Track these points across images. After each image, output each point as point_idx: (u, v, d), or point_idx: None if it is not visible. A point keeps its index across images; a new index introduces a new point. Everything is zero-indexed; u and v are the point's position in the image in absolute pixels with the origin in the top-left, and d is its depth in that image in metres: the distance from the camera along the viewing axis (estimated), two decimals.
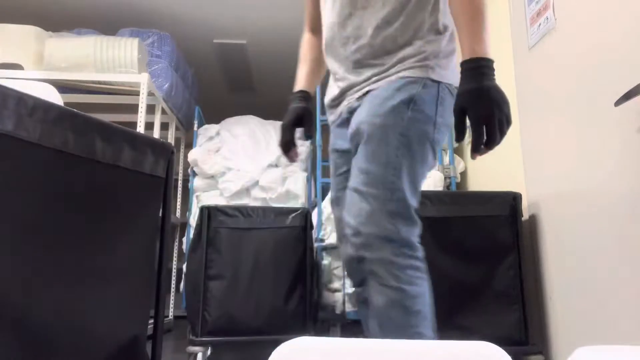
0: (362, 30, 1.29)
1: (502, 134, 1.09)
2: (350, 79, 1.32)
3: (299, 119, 1.48)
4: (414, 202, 1.14)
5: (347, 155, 1.33)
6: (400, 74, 1.23)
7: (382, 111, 1.18)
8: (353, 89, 1.31)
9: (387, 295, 1.07)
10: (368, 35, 1.28)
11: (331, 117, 1.42)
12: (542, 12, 2.16)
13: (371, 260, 1.09)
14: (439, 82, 1.23)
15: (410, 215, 1.12)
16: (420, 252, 1.12)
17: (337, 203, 1.38)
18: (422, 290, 1.09)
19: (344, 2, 1.32)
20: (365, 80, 1.29)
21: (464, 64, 1.13)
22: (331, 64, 1.39)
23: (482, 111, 1.07)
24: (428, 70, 1.22)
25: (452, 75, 1.27)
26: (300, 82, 1.54)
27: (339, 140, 1.39)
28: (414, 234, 1.12)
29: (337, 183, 1.39)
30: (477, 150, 1.10)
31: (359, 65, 1.30)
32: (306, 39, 1.60)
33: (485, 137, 1.08)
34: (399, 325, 1.07)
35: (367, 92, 1.27)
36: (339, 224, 1.35)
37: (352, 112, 1.31)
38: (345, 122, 1.35)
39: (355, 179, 1.16)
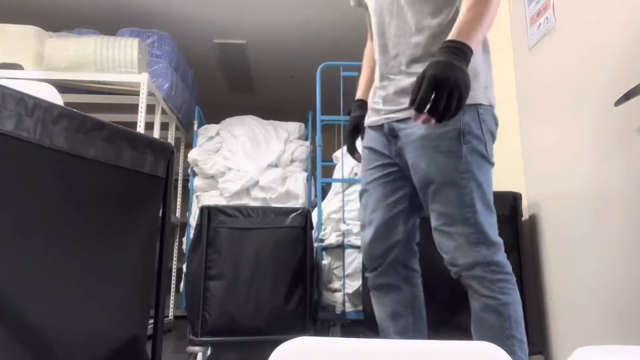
0: (397, 38, 1.34)
1: (448, 108, 1.10)
2: (386, 87, 1.38)
3: (356, 126, 1.55)
4: (490, 224, 1.28)
5: (379, 154, 1.42)
6: None
7: (442, 158, 1.27)
8: (392, 105, 1.36)
9: (482, 302, 1.24)
10: (402, 42, 1.33)
11: (371, 118, 1.46)
12: (542, 12, 2.16)
13: (466, 276, 1.26)
14: (475, 105, 1.28)
15: (489, 240, 1.26)
16: (507, 268, 1.26)
17: (365, 195, 1.45)
18: (512, 299, 1.24)
19: (383, 10, 1.37)
20: (400, 95, 1.33)
21: (444, 43, 1.17)
22: (375, 70, 1.45)
23: (437, 75, 1.09)
24: None
25: (482, 95, 1.31)
26: (359, 91, 1.61)
27: (374, 142, 1.44)
28: (497, 253, 1.26)
29: (368, 175, 1.45)
30: (419, 110, 1.11)
31: (393, 71, 1.36)
32: (367, 46, 1.64)
33: (430, 101, 1.10)
34: (493, 326, 1.23)
35: (407, 119, 1.31)
36: (364, 212, 1.44)
37: (392, 131, 1.37)
38: (385, 133, 1.40)
39: (437, 221, 1.30)
